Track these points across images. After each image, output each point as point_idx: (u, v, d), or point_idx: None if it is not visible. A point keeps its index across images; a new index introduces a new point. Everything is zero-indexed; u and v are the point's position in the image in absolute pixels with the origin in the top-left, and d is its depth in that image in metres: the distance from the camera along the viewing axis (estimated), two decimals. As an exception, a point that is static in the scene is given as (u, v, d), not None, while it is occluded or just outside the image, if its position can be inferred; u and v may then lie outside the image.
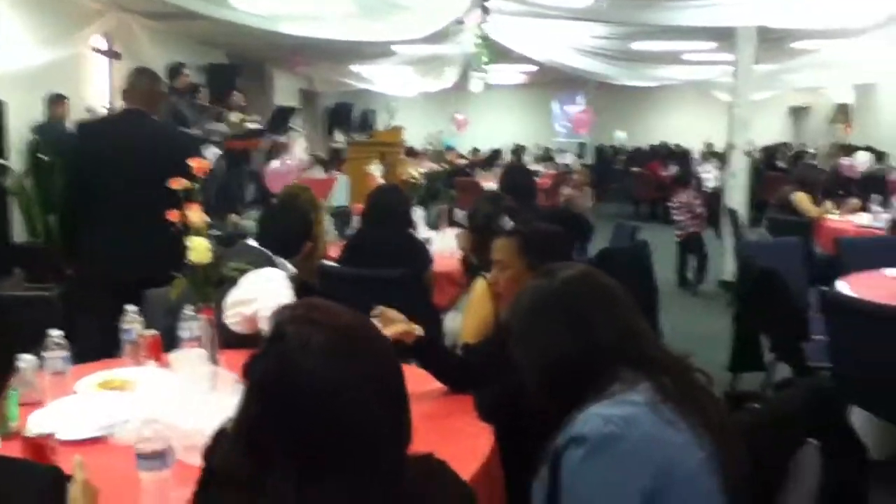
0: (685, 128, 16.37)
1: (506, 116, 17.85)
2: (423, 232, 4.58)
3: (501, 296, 2.24)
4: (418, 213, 4.96)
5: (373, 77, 13.27)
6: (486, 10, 7.57)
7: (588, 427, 1.30)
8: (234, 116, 8.54)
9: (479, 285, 2.58)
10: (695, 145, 14.79)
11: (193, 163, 2.03)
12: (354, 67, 12.81)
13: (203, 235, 1.97)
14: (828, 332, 3.06)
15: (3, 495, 0.96)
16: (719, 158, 9.78)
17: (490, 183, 8.83)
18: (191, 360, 1.99)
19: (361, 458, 1.00)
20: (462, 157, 14.79)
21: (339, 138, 13.64)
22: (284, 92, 13.56)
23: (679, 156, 13.63)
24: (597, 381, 1.36)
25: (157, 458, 1.42)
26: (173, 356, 2.08)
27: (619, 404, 1.33)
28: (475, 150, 15.84)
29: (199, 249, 1.95)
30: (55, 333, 2.02)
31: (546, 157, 15.10)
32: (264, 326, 2.48)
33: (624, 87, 12.79)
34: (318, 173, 9.33)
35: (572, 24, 8.21)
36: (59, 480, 1.02)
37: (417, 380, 2.00)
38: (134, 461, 1.48)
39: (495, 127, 17.17)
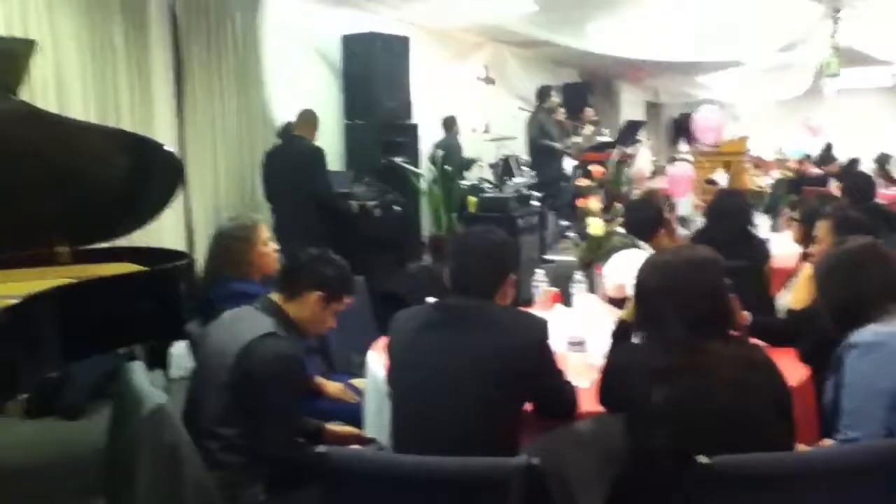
0: None
1: (865, 123, 16.61)
2: (763, 233, 5.08)
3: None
4: (762, 219, 5.40)
5: (718, 86, 13.49)
6: (835, 20, 7.62)
7: (862, 337, 1.96)
8: (588, 130, 9.57)
9: (806, 268, 3.15)
10: None
11: (593, 168, 2.99)
12: (700, 78, 13.18)
13: (597, 217, 2.91)
14: None
15: (518, 344, 1.95)
16: None
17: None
18: (588, 302, 2.93)
19: (721, 324, 1.83)
20: (814, 164, 14.19)
21: (683, 148, 14.01)
22: (631, 105, 14.35)
23: None
24: (871, 313, 2.00)
25: (580, 343, 2.36)
26: (576, 299, 3.04)
27: (887, 324, 1.96)
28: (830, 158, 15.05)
29: (595, 226, 2.89)
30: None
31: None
32: (629, 293, 3.36)
33: None
34: (662, 183, 9.97)
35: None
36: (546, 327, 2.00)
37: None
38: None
39: (852, 134, 16.11)
